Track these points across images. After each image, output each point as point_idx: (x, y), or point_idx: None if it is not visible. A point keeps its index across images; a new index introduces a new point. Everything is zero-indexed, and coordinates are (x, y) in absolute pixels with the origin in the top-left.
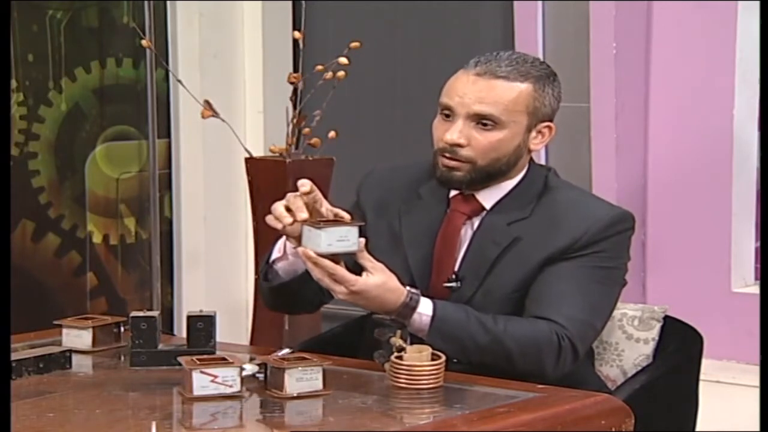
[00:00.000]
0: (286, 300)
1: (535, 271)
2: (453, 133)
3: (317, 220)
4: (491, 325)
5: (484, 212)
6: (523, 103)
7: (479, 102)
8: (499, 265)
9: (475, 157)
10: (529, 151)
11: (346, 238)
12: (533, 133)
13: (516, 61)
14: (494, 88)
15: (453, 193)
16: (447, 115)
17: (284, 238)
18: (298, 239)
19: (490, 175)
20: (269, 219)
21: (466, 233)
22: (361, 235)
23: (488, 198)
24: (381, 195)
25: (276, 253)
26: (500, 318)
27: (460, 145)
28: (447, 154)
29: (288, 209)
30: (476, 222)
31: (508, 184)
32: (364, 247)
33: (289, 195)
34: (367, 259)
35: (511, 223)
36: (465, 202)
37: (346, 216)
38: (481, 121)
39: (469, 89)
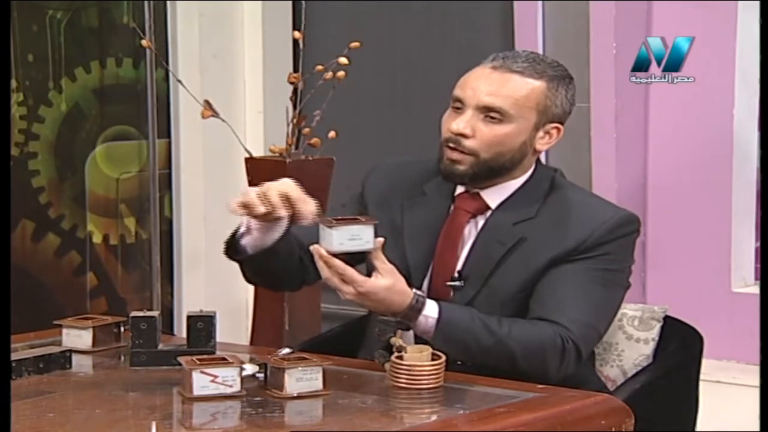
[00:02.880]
0: (259, 274)
1: (540, 273)
2: (459, 123)
3: (330, 219)
4: (496, 328)
5: (489, 211)
6: (535, 99)
7: (490, 94)
8: (504, 265)
9: (479, 149)
10: (535, 151)
11: (358, 237)
12: (540, 133)
13: (533, 59)
14: (507, 82)
15: (458, 191)
16: (457, 108)
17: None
18: (262, 217)
19: (493, 171)
20: (233, 207)
21: (470, 232)
22: (376, 235)
23: (494, 197)
24: (385, 189)
25: (242, 228)
26: (505, 320)
27: (465, 136)
28: (451, 145)
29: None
30: (480, 221)
31: (514, 184)
32: (381, 247)
33: (268, 188)
34: (380, 260)
35: (517, 223)
36: (470, 201)
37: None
38: (489, 113)
39: (483, 82)
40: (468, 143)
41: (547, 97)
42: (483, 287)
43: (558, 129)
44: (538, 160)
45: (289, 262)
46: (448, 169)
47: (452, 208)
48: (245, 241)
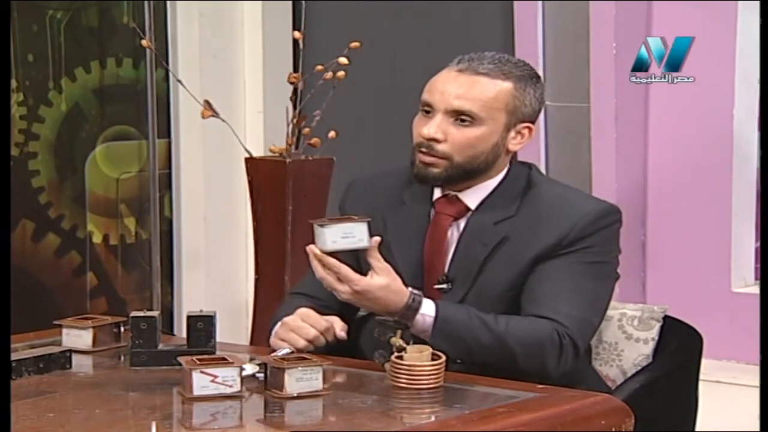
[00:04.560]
0: None
1: (526, 270)
2: (430, 128)
3: (324, 218)
4: (494, 325)
5: (470, 213)
6: (503, 100)
7: (458, 98)
8: (489, 265)
9: (452, 152)
10: (508, 151)
11: (351, 235)
12: (512, 133)
13: (499, 60)
14: (475, 85)
15: (436, 195)
16: (427, 111)
17: (274, 334)
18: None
19: (467, 173)
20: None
21: (453, 235)
22: (372, 234)
23: (472, 198)
24: (365, 205)
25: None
26: (501, 317)
27: (436, 140)
28: (423, 149)
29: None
30: (462, 223)
31: (491, 183)
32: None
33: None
34: (376, 259)
35: (498, 222)
36: (449, 204)
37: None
38: (460, 117)
39: (450, 85)
40: (440, 147)
41: (516, 97)
42: (471, 288)
43: (529, 128)
44: (512, 158)
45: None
46: (422, 172)
47: (433, 213)
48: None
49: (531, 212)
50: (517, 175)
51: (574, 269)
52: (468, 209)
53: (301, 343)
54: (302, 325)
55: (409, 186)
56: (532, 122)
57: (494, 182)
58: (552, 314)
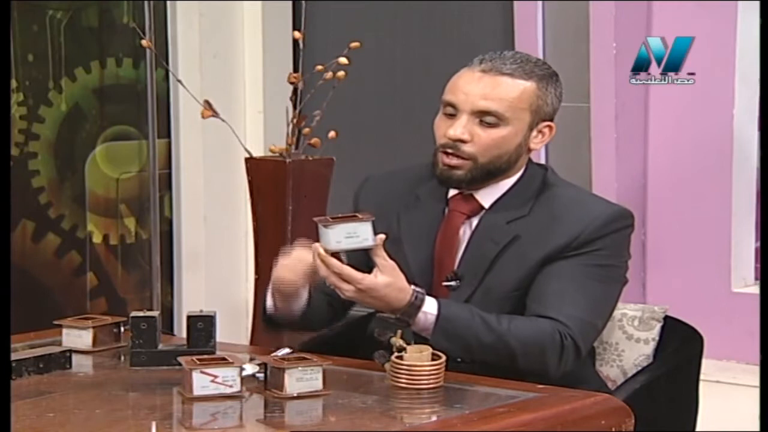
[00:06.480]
0: (293, 327)
1: (535, 270)
2: (457, 128)
3: (327, 218)
4: (495, 325)
5: (483, 211)
6: (527, 100)
7: (484, 98)
8: (499, 263)
9: (477, 153)
10: (529, 150)
11: (355, 234)
12: (534, 132)
13: (520, 59)
14: (499, 85)
15: (451, 193)
16: (450, 113)
17: (270, 293)
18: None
19: (490, 173)
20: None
21: (465, 233)
22: (382, 230)
23: (487, 197)
24: (379, 201)
25: (270, 309)
26: (503, 317)
27: (463, 141)
28: (449, 150)
29: None
30: (475, 221)
31: (507, 183)
32: (382, 243)
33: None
34: (380, 257)
35: (510, 221)
36: (464, 202)
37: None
38: (485, 117)
39: (474, 86)
40: (466, 148)
41: (539, 96)
42: (479, 286)
43: (550, 127)
44: (529, 159)
45: (320, 312)
46: (446, 174)
47: (447, 210)
48: (276, 317)
49: (544, 213)
50: (533, 176)
51: (581, 271)
52: (482, 207)
53: (306, 261)
54: (296, 255)
55: (424, 183)
56: (552, 120)
57: (510, 182)
58: (555, 314)
